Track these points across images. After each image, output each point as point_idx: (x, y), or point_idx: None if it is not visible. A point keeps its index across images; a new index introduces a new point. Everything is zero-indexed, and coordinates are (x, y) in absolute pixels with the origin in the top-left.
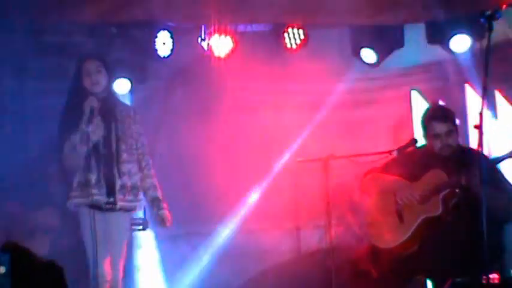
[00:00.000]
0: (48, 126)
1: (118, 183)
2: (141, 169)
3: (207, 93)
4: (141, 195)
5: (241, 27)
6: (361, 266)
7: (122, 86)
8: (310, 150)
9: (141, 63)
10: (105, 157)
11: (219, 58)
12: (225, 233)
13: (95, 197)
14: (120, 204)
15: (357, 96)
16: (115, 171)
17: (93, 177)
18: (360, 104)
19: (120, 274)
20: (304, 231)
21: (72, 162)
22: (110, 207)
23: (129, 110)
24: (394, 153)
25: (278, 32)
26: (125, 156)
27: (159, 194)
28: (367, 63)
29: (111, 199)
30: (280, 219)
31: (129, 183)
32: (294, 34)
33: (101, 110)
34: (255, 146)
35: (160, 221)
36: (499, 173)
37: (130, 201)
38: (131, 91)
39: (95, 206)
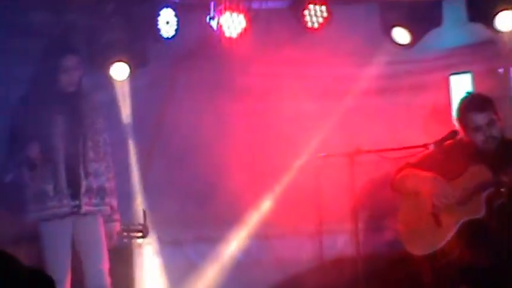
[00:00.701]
0: None
1: (84, 184)
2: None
3: (216, 79)
4: (109, 199)
5: (255, 4)
6: (393, 276)
7: (119, 72)
8: (334, 143)
9: (141, 45)
10: (68, 157)
11: (230, 39)
12: (237, 238)
13: (54, 210)
14: (85, 208)
15: (387, 82)
16: (81, 171)
17: (49, 188)
18: (390, 91)
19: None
20: (328, 236)
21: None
22: (75, 211)
23: (95, 103)
24: (431, 147)
25: (297, 9)
26: (91, 154)
27: (114, 202)
28: (399, 45)
29: (76, 202)
30: (300, 223)
31: (95, 185)
32: (315, 11)
33: (66, 106)
34: (271, 139)
35: (106, 235)
36: None
37: (96, 205)
38: (130, 77)
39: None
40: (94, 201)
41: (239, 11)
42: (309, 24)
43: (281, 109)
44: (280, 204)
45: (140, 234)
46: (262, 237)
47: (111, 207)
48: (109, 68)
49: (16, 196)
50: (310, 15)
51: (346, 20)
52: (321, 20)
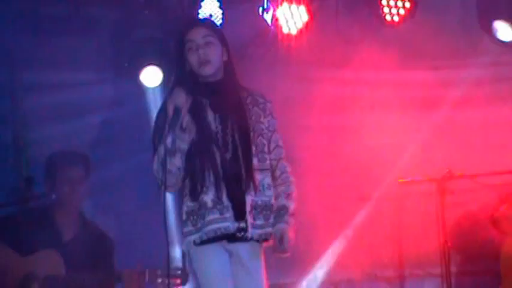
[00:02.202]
0: (53, 132)
1: (248, 201)
2: (274, 180)
3: (270, 86)
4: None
5: None
6: None
7: (150, 77)
8: (420, 167)
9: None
10: (226, 166)
11: (288, 36)
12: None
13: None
14: (251, 231)
15: (487, 88)
16: (243, 185)
17: (208, 199)
18: (491, 99)
19: None
20: (411, 281)
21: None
22: (241, 236)
23: (256, 97)
24: None
25: None
26: (255, 162)
27: (291, 204)
28: (502, 42)
29: (242, 224)
30: (379, 266)
31: (259, 202)
32: (395, 1)
33: (213, 101)
34: (343, 161)
35: (276, 241)
36: None
37: (261, 227)
38: (163, 84)
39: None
40: (258, 222)
41: (299, 2)
42: (388, 18)
43: (354, 123)
44: (353, 243)
45: (179, 280)
46: (331, 283)
47: (285, 207)
48: (139, 73)
49: None
50: (389, 5)
51: (434, 11)
52: (402, 11)
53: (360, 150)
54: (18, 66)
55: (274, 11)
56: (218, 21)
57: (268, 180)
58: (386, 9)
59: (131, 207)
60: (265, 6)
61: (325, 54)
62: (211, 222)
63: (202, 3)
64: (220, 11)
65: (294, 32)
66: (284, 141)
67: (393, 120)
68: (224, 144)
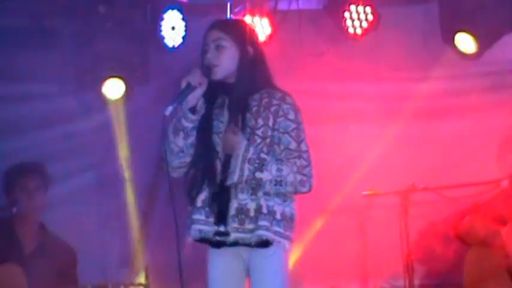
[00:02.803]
0: (13, 144)
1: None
2: None
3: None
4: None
5: (283, 5)
6: None
7: (113, 89)
8: (383, 179)
9: (140, 57)
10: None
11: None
12: None
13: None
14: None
15: (448, 100)
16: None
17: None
18: (452, 112)
19: None
20: None
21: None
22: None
23: (272, 99)
24: (504, 184)
25: (336, 10)
26: None
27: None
28: (464, 54)
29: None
30: (341, 278)
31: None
32: (358, 13)
33: (226, 100)
34: None
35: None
36: None
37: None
38: (126, 96)
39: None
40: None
41: (263, 14)
42: (351, 30)
43: (315, 134)
44: (312, 255)
45: None
46: None
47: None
48: (101, 85)
49: None
50: (351, 18)
51: (397, 24)
52: (365, 24)
53: (323, 162)
54: None
55: None
56: (181, 33)
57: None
58: (349, 22)
59: (91, 221)
60: (227, 17)
61: (289, 65)
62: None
63: (164, 15)
64: (183, 23)
65: None
66: None
67: (356, 133)
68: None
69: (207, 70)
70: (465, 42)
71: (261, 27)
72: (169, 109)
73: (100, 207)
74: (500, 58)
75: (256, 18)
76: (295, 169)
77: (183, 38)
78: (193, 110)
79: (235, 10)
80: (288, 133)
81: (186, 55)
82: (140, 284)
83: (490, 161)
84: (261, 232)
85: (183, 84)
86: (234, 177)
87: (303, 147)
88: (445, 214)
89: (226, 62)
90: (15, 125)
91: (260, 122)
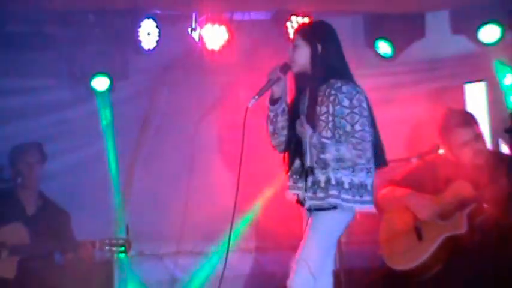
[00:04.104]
0: (18, 129)
1: (309, 178)
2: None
3: (198, 91)
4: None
5: (237, 15)
6: None
7: (100, 83)
8: None
9: (122, 57)
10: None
11: (212, 51)
12: (219, 252)
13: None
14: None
15: (370, 94)
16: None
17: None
18: (374, 103)
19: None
20: None
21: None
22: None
23: (331, 89)
24: (414, 161)
25: (280, 20)
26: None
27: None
28: (383, 57)
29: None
30: (284, 237)
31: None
32: (298, 23)
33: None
34: (256, 152)
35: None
36: None
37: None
38: (110, 89)
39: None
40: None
41: (221, 23)
42: (292, 36)
43: (264, 121)
44: (264, 219)
45: (123, 248)
46: (244, 251)
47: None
48: (90, 80)
49: None
50: (293, 27)
51: None
52: None
53: (267, 143)
54: None
55: (200, 30)
56: (155, 37)
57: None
58: (290, 30)
59: (81, 189)
60: (193, 26)
61: (242, 65)
62: None
63: (141, 23)
64: (157, 30)
65: (216, 48)
66: (212, 136)
67: None
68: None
69: (286, 65)
70: (383, 47)
71: (220, 33)
72: (252, 101)
73: (88, 179)
74: (412, 60)
75: (216, 26)
76: (350, 146)
77: (157, 42)
78: (273, 101)
79: (199, 19)
80: (344, 118)
81: (159, 56)
82: (122, 239)
83: (401, 142)
84: (330, 200)
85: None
86: (307, 160)
87: (357, 127)
88: None
89: (300, 59)
90: (19, 112)
91: (323, 109)
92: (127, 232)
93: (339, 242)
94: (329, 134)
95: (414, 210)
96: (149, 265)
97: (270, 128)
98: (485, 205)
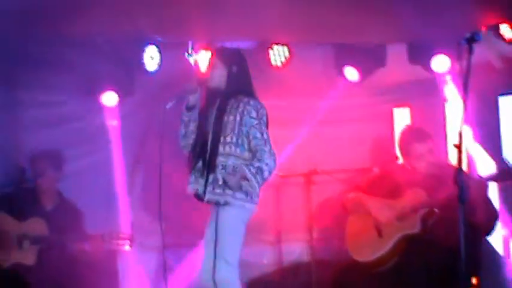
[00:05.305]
0: (41, 138)
1: (210, 176)
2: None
3: None
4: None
5: (227, 44)
6: (341, 280)
7: (109, 99)
8: (294, 165)
9: (128, 77)
10: (209, 148)
11: (205, 73)
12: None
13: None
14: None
15: (340, 113)
16: (210, 163)
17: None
18: (343, 120)
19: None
20: (286, 244)
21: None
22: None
23: (240, 102)
24: (376, 170)
25: (263, 49)
26: (220, 149)
27: (262, 165)
28: (350, 81)
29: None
30: (262, 233)
31: (220, 177)
32: (278, 51)
33: (217, 101)
34: None
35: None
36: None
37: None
38: (118, 104)
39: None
40: (217, 191)
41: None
42: (273, 63)
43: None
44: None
45: (126, 242)
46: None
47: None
48: (100, 95)
49: None
50: (274, 54)
51: (305, 59)
52: (283, 59)
53: None
54: (15, 88)
55: (195, 55)
56: (157, 61)
57: (228, 161)
58: (272, 57)
59: (92, 189)
60: (189, 52)
61: None
62: None
63: (146, 48)
64: (159, 54)
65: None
66: None
67: (274, 133)
68: (210, 133)
69: (202, 80)
70: (351, 73)
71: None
72: (169, 104)
73: (97, 180)
74: (376, 85)
75: (208, 53)
76: (268, 155)
77: (159, 64)
78: (189, 108)
79: (195, 46)
80: (253, 127)
81: (160, 76)
82: (126, 233)
83: (365, 154)
84: (226, 198)
85: (183, 90)
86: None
87: (265, 135)
88: (336, 191)
89: (216, 75)
90: (39, 124)
91: (231, 118)
92: (131, 227)
93: (311, 237)
94: (234, 139)
95: (375, 213)
96: (149, 256)
97: (183, 130)
98: (435, 209)
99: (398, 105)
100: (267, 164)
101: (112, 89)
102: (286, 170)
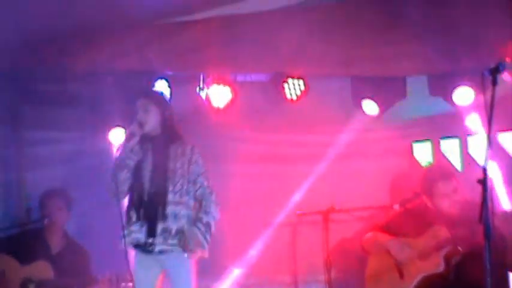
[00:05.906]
0: (45, 175)
1: (160, 226)
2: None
3: (205, 144)
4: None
5: (240, 77)
6: None
7: (118, 135)
8: (311, 202)
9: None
10: (150, 195)
11: (217, 109)
12: (222, 287)
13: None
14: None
15: (358, 147)
16: (159, 212)
17: (133, 216)
18: (361, 155)
19: None
20: (303, 286)
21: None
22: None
23: (186, 149)
24: (396, 208)
25: (278, 82)
26: (170, 197)
27: (210, 220)
28: (369, 115)
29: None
30: (278, 274)
31: (174, 227)
32: (294, 84)
33: (153, 146)
34: (255, 198)
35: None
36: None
37: (172, 245)
38: None
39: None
40: (170, 241)
41: (225, 83)
42: (288, 96)
43: (263, 171)
44: (261, 256)
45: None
46: (243, 286)
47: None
48: (108, 132)
49: None
50: (289, 88)
51: (321, 92)
52: (299, 92)
53: (266, 190)
54: (20, 126)
55: (207, 89)
56: (167, 95)
57: (180, 210)
58: (287, 90)
59: (98, 229)
60: (200, 86)
61: (244, 121)
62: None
63: (156, 83)
64: (169, 89)
65: (221, 106)
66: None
67: (290, 170)
68: (148, 179)
69: (139, 125)
70: (370, 106)
71: (224, 93)
72: (119, 156)
73: (106, 221)
74: (395, 118)
75: (221, 86)
76: (214, 205)
77: (169, 100)
78: (132, 151)
79: (206, 80)
80: (201, 175)
81: None
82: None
83: (385, 191)
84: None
85: (127, 133)
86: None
87: (210, 182)
88: (355, 229)
89: (151, 120)
90: (48, 161)
91: (178, 165)
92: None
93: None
94: (185, 186)
95: (395, 253)
96: None
97: (126, 175)
98: (459, 247)
99: (418, 139)
100: (214, 218)
101: (120, 126)
102: (303, 208)
